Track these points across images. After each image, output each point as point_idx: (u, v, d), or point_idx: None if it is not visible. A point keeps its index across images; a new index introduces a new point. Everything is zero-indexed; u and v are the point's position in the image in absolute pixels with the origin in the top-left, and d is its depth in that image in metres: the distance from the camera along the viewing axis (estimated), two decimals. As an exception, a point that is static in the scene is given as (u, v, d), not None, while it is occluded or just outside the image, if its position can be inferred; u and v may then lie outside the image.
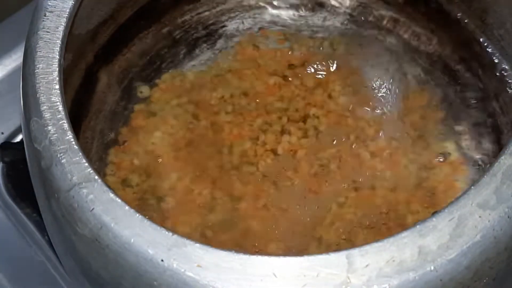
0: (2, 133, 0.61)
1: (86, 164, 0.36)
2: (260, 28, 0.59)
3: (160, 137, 0.53)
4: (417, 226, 0.33)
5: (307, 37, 0.58)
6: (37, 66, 0.39)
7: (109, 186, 0.35)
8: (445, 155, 0.52)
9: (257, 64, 0.57)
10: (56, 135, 0.37)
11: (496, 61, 0.53)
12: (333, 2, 0.59)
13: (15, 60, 0.64)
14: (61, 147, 0.36)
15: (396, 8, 0.58)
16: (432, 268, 0.32)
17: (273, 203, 0.50)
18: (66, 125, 0.37)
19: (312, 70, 0.56)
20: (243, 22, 0.59)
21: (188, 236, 0.33)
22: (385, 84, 0.55)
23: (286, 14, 0.60)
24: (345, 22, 0.59)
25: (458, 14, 0.55)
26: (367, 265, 0.32)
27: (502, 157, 0.35)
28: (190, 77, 0.56)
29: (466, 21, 0.55)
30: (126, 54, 0.57)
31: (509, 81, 0.52)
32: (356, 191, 0.50)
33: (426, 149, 0.52)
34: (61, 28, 0.41)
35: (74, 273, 0.39)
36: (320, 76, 0.56)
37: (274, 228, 0.49)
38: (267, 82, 0.56)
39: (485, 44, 0.53)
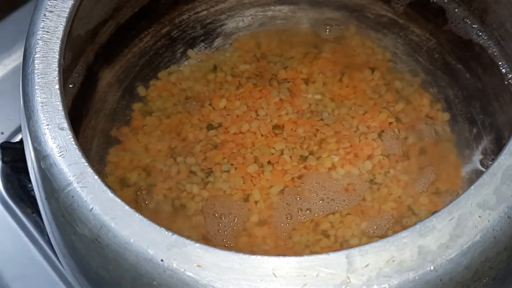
0: (2, 133, 0.61)
1: (86, 163, 0.36)
2: (260, 25, 0.59)
3: (158, 136, 0.53)
4: (417, 226, 0.33)
5: (306, 31, 0.58)
6: (37, 66, 0.39)
7: (108, 186, 0.35)
8: (446, 154, 0.52)
9: (256, 59, 0.57)
10: (55, 134, 0.37)
11: (496, 61, 0.53)
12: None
13: (15, 60, 0.64)
14: (61, 146, 0.36)
15: (395, 8, 0.58)
16: (432, 268, 0.32)
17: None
18: (66, 125, 0.37)
19: (311, 65, 0.56)
20: (243, 20, 0.59)
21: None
22: (385, 84, 0.55)
23: (286, 9, 0.60)
24: (344, 20, 0.59)
25: (458, 14, 0.55)
26: (367, 265, 0.32)
27: (502, 157, 0.35)
28: (187, 75, 0.56)
29: (466, 21, 0.55)
30: (127, 54, 0.57)
31: (509, 81, 0.52)
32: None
33: (425, 148, 0.52)
34: (61, 28, 0.41)
35: (74, 273, 0.39)
36: (318, 72, 0.56)
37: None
38: (265, 79, 0.56)
39: (485, 44, 0.53)
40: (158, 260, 0.32)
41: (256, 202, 0.50)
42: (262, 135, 0.53)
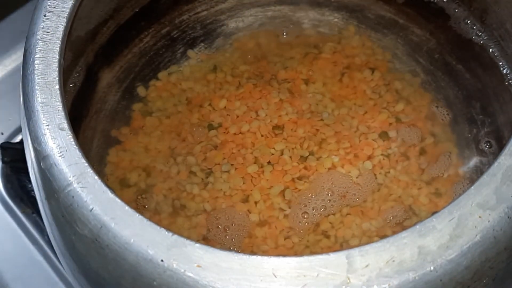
0: (2, 133, 0.61)
1: (86, 164, 0.36)
2: (260, 25, 0.59)
3: (158, 136, 0.53)
4: (417, 226, 0.33)
5: (307, 32, 0.58)
6: (37, 66, 0.39)
7: (108, 186, 0.35)
8: (446, 155, 0.52)
9: (257, 59, 0.57)
10: (55, 135, 0.37)
11: (496, 61, 0.53)
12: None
13: (15, 60, 0.64)
14: (61, 147, 0.36)
15: (395, 8, 0.58)
16: (432, 268, 0.32)
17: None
18: (66, 125, 0.37)
19: (311, 65, 0.56)
20: (243, 20, 0.59)
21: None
22: (385, 84, 0.55)
23: (286, 9, 0.60)
24: (344, 20, 0.59)
25: (458, 15, 0.55)
26: (367, 265, 0.32)
27: (502, 157, 0.35)
28: (187, 75, 0.56)
29: (466, 21, 0.55)
30: (127, 55, 0.57)
31: (509, 81, 0.52)
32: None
33: (425, 148, 0.52)
34: (61, 28, 0.41)
35: (74, 273, 0.39)
36: (318, 73, 0.56)
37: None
38: (264, 79, 0.56)
39: (485, 44, 0.53)
40: (158, 260, 0.32)
41: (256, 203, 0.50)
42: (262, 135, 0.53)
